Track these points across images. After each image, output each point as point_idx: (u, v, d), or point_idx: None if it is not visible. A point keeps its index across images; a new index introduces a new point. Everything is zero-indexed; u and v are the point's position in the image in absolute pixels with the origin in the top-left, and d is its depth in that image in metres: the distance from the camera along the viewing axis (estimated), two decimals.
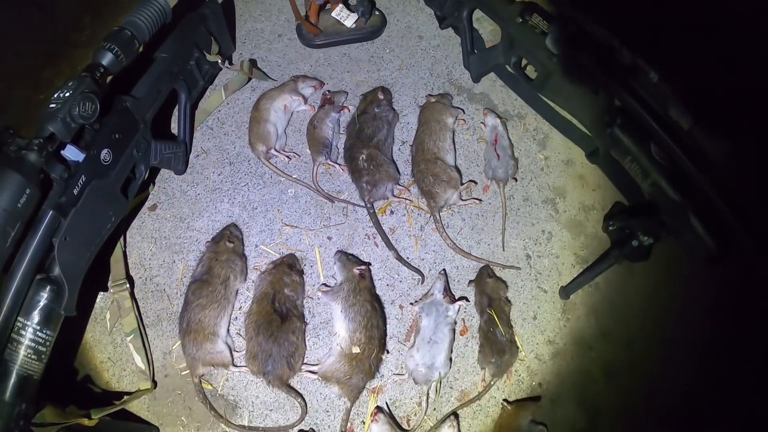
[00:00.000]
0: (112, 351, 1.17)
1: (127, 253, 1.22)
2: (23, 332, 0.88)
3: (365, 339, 1.10)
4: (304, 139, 1.32)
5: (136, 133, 1.09)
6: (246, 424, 1.13)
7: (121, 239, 1.21)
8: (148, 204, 1.27)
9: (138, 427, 1.11)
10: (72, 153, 0.93)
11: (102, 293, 1.19)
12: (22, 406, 0.87)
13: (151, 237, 1.25)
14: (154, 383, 1.14)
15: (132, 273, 1.21)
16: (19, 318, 0.88)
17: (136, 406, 1.14)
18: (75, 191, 0.93)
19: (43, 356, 0.91)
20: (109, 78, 0.98)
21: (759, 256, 1.04)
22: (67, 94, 0.89)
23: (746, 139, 1.09)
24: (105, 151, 1.00)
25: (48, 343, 0.92)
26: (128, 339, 1.14)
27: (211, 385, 1.15)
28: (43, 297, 0.90)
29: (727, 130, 1.08)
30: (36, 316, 0.90)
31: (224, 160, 1.31)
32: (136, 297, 1.19)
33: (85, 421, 0.95)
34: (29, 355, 0.89)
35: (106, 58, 0.97)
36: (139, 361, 1.14)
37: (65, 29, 1.44)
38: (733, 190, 1.08)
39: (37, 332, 0.90)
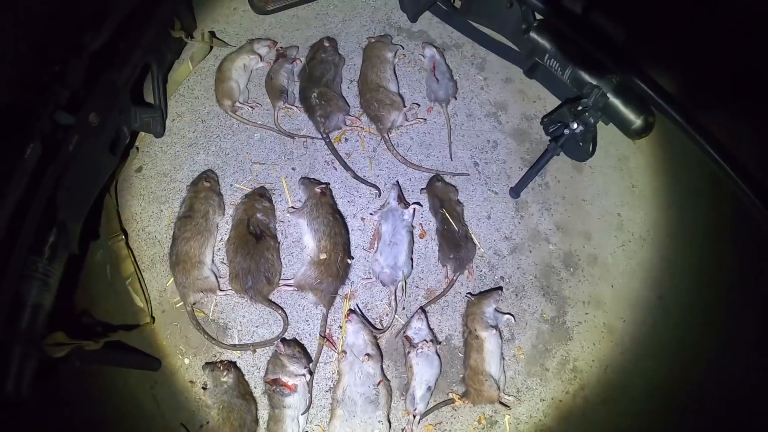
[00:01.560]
0: (115, 299, 1.30)
1: (120, 211, 1.37)
2: (34, 267, 1.02)
3: (330, 246, 1.21)
4: (264, 91, 1.46)
5: (117, 99, 1.25)
6: (236, 343, 1.24)
7: (115, 199, 1.36)
8: (134, 167, 1.43)
9: (141, 358, 1.24)
10: (64, 117, 1.10)
11: (101, 251, 1.33)
12: (35, 330, 1.00)
13: (140, 194, 1.40)
14: (153, 318, 1.27)
15: (125, 227, 1.35)
16: (30, 256, 1.01)
17: (139, 344, 1.26)
18: (70, 148, 1.09)
19: (51, 287, 1.05)
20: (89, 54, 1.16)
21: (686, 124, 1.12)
22: (57, 68, 1.06)
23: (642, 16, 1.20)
24: (92, 114, 1.16)
25: (56, 276, 1.06)
26: (127, 282, 1.28)
27: (203, 312, 1.27)
28: (50, 237, 1.05)
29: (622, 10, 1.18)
30: (45, 253, 1.04)
31: (197, 119, 1.46)
32: (131, 247, 1.33)
33: (92, 344, 1.08)
34: (40, 287, 1.02)
35: (87, 38, 1.15)
36: (138, 301, 1.28)
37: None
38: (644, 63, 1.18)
39: (46, 267, 1.04)
